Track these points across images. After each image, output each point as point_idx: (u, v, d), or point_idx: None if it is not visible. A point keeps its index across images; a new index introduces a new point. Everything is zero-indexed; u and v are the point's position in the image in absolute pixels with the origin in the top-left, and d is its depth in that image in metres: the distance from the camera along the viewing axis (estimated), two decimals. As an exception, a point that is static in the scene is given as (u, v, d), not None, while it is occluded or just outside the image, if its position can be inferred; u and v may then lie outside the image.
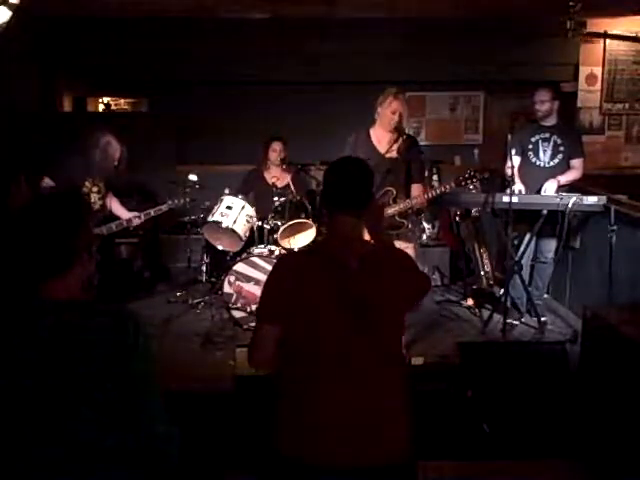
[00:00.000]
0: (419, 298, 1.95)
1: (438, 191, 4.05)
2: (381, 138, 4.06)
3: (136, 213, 4.69)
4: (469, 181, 4.04)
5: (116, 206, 4.73)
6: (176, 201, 4.96)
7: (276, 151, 5.30)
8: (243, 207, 4.90)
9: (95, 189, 4.46)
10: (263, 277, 4.57)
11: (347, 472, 1.77)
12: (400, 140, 4.03)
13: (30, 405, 1.43)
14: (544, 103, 4.65)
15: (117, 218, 4.64)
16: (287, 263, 2.04)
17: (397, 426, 1.86)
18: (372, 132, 4.10)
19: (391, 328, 1.90)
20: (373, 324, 1.84)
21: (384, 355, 1.87)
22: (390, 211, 4.00)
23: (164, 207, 4.86)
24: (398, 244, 4.06)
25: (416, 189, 4.09)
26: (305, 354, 1.86)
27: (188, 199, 5.09)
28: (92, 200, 4.42)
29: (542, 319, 4.72)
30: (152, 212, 4.78)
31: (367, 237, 2.02)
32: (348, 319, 1.82)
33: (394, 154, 4.03)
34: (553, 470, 3.16)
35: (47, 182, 4.29)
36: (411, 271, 1.98)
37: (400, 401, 1.88)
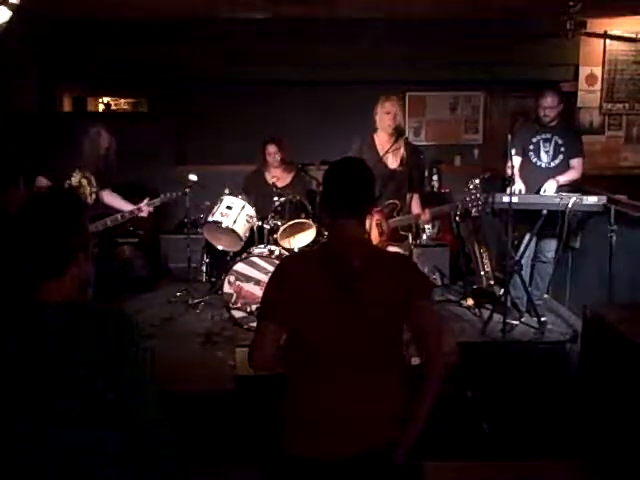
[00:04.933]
0: (421, 299, 1.92)
1: (439, 212, 4.12)
2: (385, 143, 4.13)
3: (144, 202, 4.66)
4: (473, 204, 4.04)
5: (117, 201, 4.70)
6: (168, 195, 4.91)
7: (271, 154, 5.28)
8: (243, 207, 4.90)
9: (85, 182, 4.45)
10: (263, 277, 4.57)
11: (347, 461, 1.80)
12: (400, 141, 4.07)
13: (25, 405, 1.43)
14: (553, 109, 4.64)
15: (109, 214, 4.61)
16: (290, 263, 2.04)
17: (395, 423, 1.87)
18: (376, 138, 4.16)
19: (392, 329, 1.90)
20: (374, 324, 1.84)
21: (384, 355, 1.88)
22: (393, 224, 4.02)
23: (157, 201, 4.82)
24: (392, 250, 4.10)
25: (415, 202, 4.20)
26: (306, 353, 1.87)
27: (181, 193, 5.06)
28: (83, 194, 4.41)
29: (542, 319, 4.72)
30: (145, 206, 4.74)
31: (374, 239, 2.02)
32: (349, 319, 1.82)
33: (397, 165, 4.08)
34: (553, 470, 3.16)
35: (40, 180, 4.30)
36: (412, 274, 1.96)
37: (399, 400, 1.89)
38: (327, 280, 1.84)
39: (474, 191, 4.03)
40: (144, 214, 4.67)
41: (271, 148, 5.28)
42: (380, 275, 1.87)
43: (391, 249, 4.06)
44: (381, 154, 4.08)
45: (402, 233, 4.09)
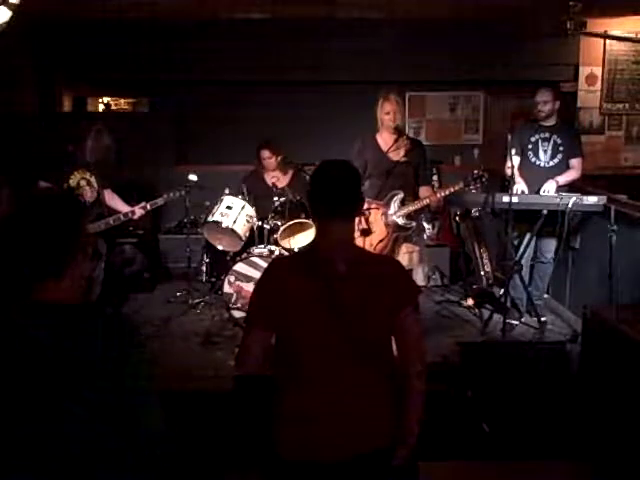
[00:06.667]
0: (407, 306, 1.90)
1: (448, 191, 4.05)
2: (387, 141, 4.13)
3: (140, 205, 4.71)
4: (477, 180, 4.03)
5: (115, 201, 4.73)
6: (171, 194, 4.96)
7: (265, 158, 5.26)
8: (243, 207, 4.90)
9: (84, 182, 4.47)
10: (263, 277, 4.56)
11: (335, 466, 1.81)
12: (403, 139, 4.08)
13: (25, 405, 1.42)
14: (547, 103, 4.64)
15: (111, 214, 4.64)
16: (275, 267, 2.00)
17: (382, 427, 1.87)
18: (378, 137, 4.17)
19: (377, 333, 1.88)
20: (358, 329, 1.82)
21: (370, 359, 1.86)
22: (399, 213, 4.01)
23: (160, 201, 4.87)
24: (405, 247, 4.11)
25: (425, 190, 4.15)
26: (292, 357, 1.87)
27: (184, 192, 5.08)
28: (83, 194, 4.43)
29: (542, 319, 4.72)
30: (148, 205, 4.77)
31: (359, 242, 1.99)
32: (333, 323, 1.81)
33: (401, 157, 4.08)
34: (553, 470, 3.16)
35: (42, 184, 4.32)
36: (400, 279, 1.94)
37: (386, 403, 1.89)
38: (311, 284, 1.82)
39: (477, 171, 4.02)
40: (136, 217, 4.70)
41: (264, 153, 5.25)
42: (365, 280, 1.84)
43: (404, 247, 4.09)
44: (385, 151, 4.09)
45: (406, 224, 4.06)
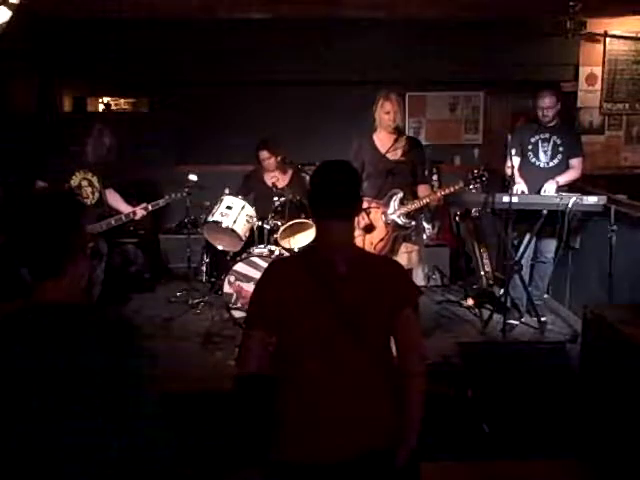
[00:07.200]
0: (406, 306, 1.90)
1: (448, 190, 4.04)
2: (385, 141, 4.11)
3: (141, 206, 4.72)
4: (478, 180, 4.03)
5: (117, 202, 4.74)
6: (173, 195, 4.98)
7: (264, 159, 5.25)
8: (243, 207, 4.90)
9: (85, 182, 4.47)
10: (263, 277, 4.56)
11: (336, 466, 1.81)
12: (402, 139, 4.08)
13: (25, 408, 1.42)
14: (550, 109, 4.63)
15: (112, 214, 4.64)
16: (275, 268, 2.01)
17: (382, 428, 1.87)
18: (375, 137, 4.15)
19: (377, 334, 1.88)
20: (358, 329, 1.82)
21: (369, 360, 1.86)
22: (399, 212, 4.02)
23: (161, 202, 4.89)
24: (405, 247, 4.10)
25: (423, 189, 4.14)
26: (292, 358, 1.87)
27: (185, 193, 5.09)
28: (85, 194, 4.43)
29: (542, 319, 4.72)
30: (150, 206, 4.78)
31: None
32: (333, 324, 1.81)
33: (399, 156, 4.07)
34: (553, 470, 3.16)
35: (39, 184, 4.32)
36: (399, 280, 1.95)
37: (386, 405, 1.88)
38: (312, 284, 1.83)
39: (477, 170, 4.01)
40: (137, 217, 4.70)
41: (263, 154, 5.24)
42: (365, 280, 1.85)
43: (404, 247, 4.10)
44: (382, 152, 4.08)
45: (406, 223, 4.06)
